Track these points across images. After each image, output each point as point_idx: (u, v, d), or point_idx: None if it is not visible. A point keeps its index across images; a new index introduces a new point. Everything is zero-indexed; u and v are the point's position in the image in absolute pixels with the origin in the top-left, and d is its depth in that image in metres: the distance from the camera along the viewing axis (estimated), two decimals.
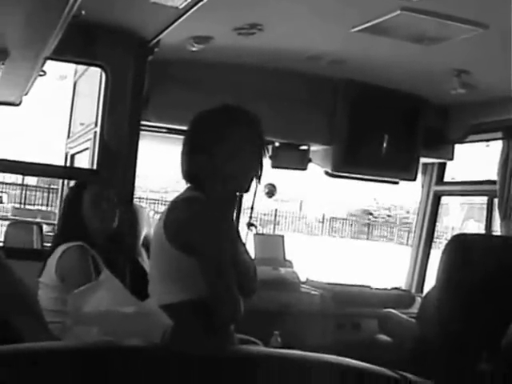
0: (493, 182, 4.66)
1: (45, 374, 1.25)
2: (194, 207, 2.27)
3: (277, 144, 4.61)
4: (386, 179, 4.93)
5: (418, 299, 4.80)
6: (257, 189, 2.47)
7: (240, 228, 2.50)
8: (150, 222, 3.99)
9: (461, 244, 2.31)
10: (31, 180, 22.49)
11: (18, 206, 20.67)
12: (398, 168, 4.74)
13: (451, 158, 5.04)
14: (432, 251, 5.36)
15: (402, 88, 4.49)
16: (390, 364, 1.57)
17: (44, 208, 20.70)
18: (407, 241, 24.44)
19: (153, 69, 3.88)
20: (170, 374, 1.34)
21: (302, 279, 4.86)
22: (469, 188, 5.39)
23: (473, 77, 3.92)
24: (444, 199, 5.66)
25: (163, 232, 2.26)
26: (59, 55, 3.45)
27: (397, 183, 4.94)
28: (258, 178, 2.38)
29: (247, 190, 2.40)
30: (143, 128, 3.98)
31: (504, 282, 2.18)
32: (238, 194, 2.42)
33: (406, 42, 3.43)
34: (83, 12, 2.99)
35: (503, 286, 2.18)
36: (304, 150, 4.71)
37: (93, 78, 4.29)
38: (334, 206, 31.99)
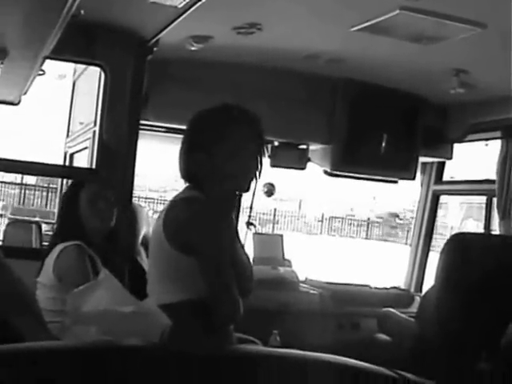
0: (492, 182, 4.67)
1: (44, 373, 1.26)
2: (193, 207, 2.26)
3: (276, 143, 4.61)
4: (385, 178, 4.93)
5: (417, 298, 4.81)
6: (256, 188, 2.47)
7: (239, 227, 2.50)
8: (149, 221, 4.00)
9: (460, 243, 2.31)
10: (30, 179, 22.49)
11: (16, 205, 20.69)
12: (397, 167, 4.74)
13: (450, 158, 5.04)
14: (431, 250, 5.37)
15: (401, 87, 4.49)
16: (390, 363, 1.57)
17: (43, 207, 20.71)
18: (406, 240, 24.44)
19: (152, 68, 3.88)
20: (169, 373, 1.34)
21: (301, 278, 4.86)
22: (468, 187, 5.40)
23: (472, 76, 3.92)
24: (443, 198, 5.66)
25: (162, 232, 2.26)
26: (58, 54, 3.46)
27: (396, 182, 4.94)
28: (257, 177, 2.38)
29: (247, 190, 2.40)
30: (142, 127, 3.98)
31: (503, 282, 2.19)
32: (237, 193, 2.42)
33: (405, 41, 3.43)
34: (82, 12, 2.99)
35: (502, 285, 2.18)
36: (303, 149, 4.71)
37: (92, 78, 4.29)
38: (333, 205, 31.99)
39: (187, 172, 2.37)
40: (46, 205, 21.44)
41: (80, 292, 2.61)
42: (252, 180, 2.38)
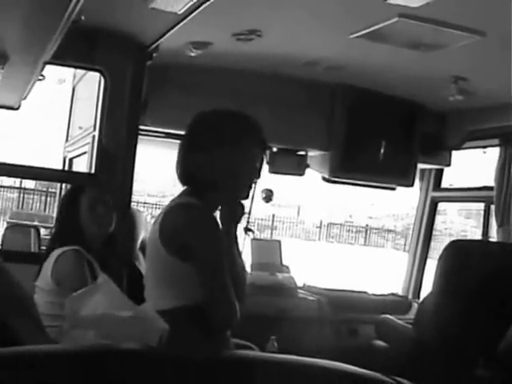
0: (490, 189, 4.67)
1: (42, 376, 1.26)
2: (189, 213, 2.26)
3: (274, 149, 4.62)
4: (383, 185, 4.94)
5: (415, 305, 4.81)
6: (254, 193, 2.47)
7: (237, 233, 2.50)
8: (148, 226, 3.99)
9: (458, 250, 2.32)
10: (29, 183, 22.48)
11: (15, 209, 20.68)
12: (395, 174, 4.75)
13: (448, 164, 5.05)
14: (429, 257, 5.37)
15: (400, 94, 4.50)
16: (387, 369, 1.57)
17: (42, 211, 20.70)
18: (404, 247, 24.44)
19: (151, 73, 3.89)
20: (167, 378, 1.35)
21: (299, 284, 4.86)
22: (466, 194, 5.41)
23: (470, 83, 3.93)
24: (442, 205, 5.67)
25: (158, 238, 2.26)
26: (58, 60, 3.46)
27: (394, 189, 4.95)
28: (256, 183, 2.39)
29: (245, 197, 2.40)
30: (141, 132, 3.99)
31: (501, 288, 2.19)
32: (237, 200, 2.42)
33: (404, 48, 3.44)
34: (83, 17, 3.00)
35: (500, 291, 2.19)
36: (302, 155, 4.72)
37: (91, 83, 4.30)
38: (332, 211, 31.99)
39: (186, 173, 2.36)
40: (45, 209, 21.43)
41: (78, 296, 2.61)
42: (251, 187, 2.39)
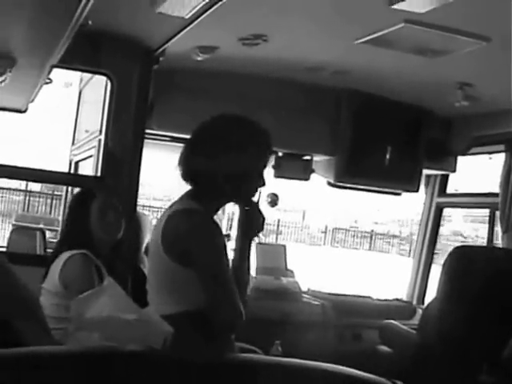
0: (495, 195, 4.67)
1: (46, 378, 1.27)
2: (191, 219, 2.26)
3: (280, 154, 4.62)
4: (388, 190, 4.94)
5: (419, 311, 4.80)
6: (260, 198, 2.48)
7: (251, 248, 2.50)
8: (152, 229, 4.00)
9: (462, 256, 2.32)
10: (35, 186, 22.52)
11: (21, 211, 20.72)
12: (400, 179, 4.74)
13: (454, 170, 5.04)
14: (433, 263, 5.36)
15: (406, 99, 4.50)
16: (391, 374, 1.58)
17: (47, 214, 20.74)
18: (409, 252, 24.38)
19: (158, 78, 3.90)
20: (171, 380, 1.35)
21: (304, 289, 4.86)
22: (471, 200, 5.40)
23: (476, 89, 3.93)
24: (447, 211, 5.66)
25: (160, 244, 2.26)
26: (66, 63, 3.47)
27: (399, 194, 4.95)
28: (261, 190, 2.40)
29: (244, 202, 2.41)
30: (147, 136, 4.00)
31: (505, 294, 2.19)
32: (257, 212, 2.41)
33: (410, 54, 3.45)
34: (90, 22, 3.02)
35: (504, 297, 2.18)
36: (307, 160, 4.72)
37: (98, 86, 4.32)
38: (337, 216, 31.94)
39: (189, 172, 2.36)
40: (51, 212, 21.47)
41: (84, 298, 2.62)
42: (255, 193, 2.39)
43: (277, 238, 26.99)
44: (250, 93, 4.19)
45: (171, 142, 4.32)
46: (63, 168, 5.23)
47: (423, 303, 5.16)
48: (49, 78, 3.71)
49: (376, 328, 4.09)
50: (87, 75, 4.92)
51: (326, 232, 30.89)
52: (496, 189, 4.68)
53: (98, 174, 3.86)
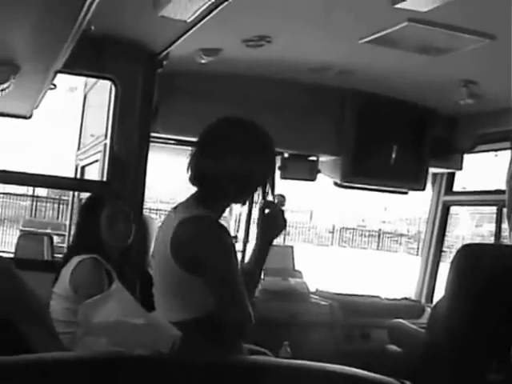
0: (502, 192, 4.64)
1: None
2: (199, 225, 2.26)
3: (286, 155, 4.62)
4: (394, 189, 4.93)
5: (428, 309, 4.80)
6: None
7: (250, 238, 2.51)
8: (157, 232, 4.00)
9: (470, 253, 2.31)
10: (42, 191, 22.56)
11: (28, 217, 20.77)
12: (406, 178, 4.74)
13: (460, 168, 5.03)
14: (441, 261, 5.35)
15: (410, 98, 4.50)
16: (400, 374, 1.57)
17: (54, 219, 20.77)
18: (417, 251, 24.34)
19: (162, 81, 3.90)
20: None
21: (312, 289, 4.86)
22: (478, 198, 5.38)
23: (481, 87, 3.93)
24: (454, 209, 5.64)
25: (169, 252, 2.26)
26: (70, 68, 3.48)
27: (406, 193, 4.94)
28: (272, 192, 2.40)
29: (243, 203, 2.42)
30: (152, 139, 4.00)
31: None
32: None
33: (414, 53, 3.44)
34: (92, 27, 3.03)
35: None
36: (313, 160, 4.72)
37: (103, 91, 4.33)
38: (344, 216, 31.91)
39: (197, 176, 2.37)
40: (58, 217, 21.49)
41: (92, 303, 2.63)
42: (251, 196, 2.40)
43: (284, 239, 26.98)
44: (255, 94, 4.19)
45: (176, 144, 4.33)
46: (69, 173, 5.24)
47: (432, 302, 5.15)
48: (53, 84, 3.72)
49: (385, 327, 4.10)
50: (92, 80, 4.93)
51: (333, 232, 30.86)
52: (503, 186, 4.65)
53: (104, 178, 3.87)
